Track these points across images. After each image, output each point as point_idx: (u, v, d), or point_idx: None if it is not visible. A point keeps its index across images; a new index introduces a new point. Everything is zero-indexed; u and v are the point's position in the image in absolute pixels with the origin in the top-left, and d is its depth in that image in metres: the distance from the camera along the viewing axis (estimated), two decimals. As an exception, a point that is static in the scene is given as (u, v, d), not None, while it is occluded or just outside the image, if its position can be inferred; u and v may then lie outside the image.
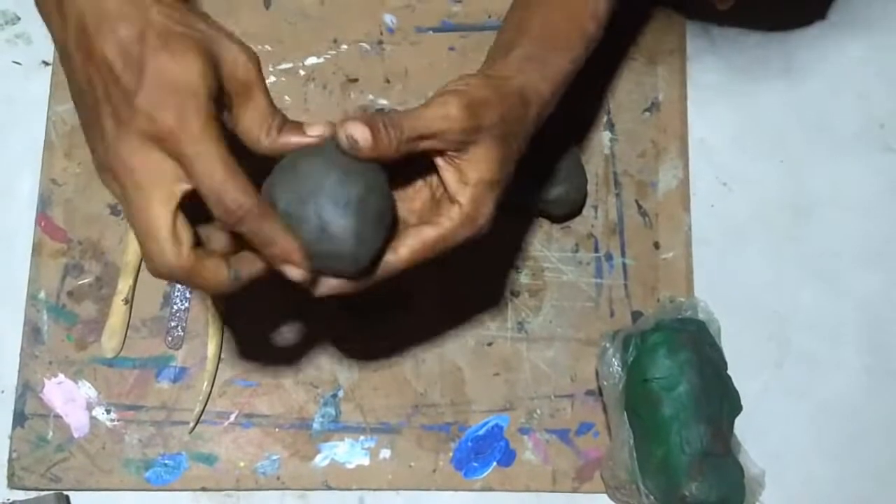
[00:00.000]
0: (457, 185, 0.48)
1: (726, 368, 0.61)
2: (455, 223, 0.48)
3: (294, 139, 0.46)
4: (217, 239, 0.48)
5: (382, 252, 0.48)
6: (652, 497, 0.58)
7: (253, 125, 0.45)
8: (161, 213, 0.41)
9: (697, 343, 0.59)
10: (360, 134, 0.44)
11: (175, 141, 0.41)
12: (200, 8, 0.49)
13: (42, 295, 0.64)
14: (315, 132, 0.46)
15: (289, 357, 0.65)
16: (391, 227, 0.48)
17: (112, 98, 0.41)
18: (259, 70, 0.45)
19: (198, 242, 0.44)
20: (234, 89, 0.44)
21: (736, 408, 0.60)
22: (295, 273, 0.44)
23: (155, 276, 0.43)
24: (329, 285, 0.47)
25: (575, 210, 0.68)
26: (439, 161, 0.49)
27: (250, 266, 0.45)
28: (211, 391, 0.64)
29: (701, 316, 0.61)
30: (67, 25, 0.42)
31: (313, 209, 0.45)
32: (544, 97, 0.53)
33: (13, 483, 0.62)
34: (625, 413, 0.60)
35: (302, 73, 0.70)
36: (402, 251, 0.48)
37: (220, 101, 0.43)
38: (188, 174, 0.41)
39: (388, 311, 0.66)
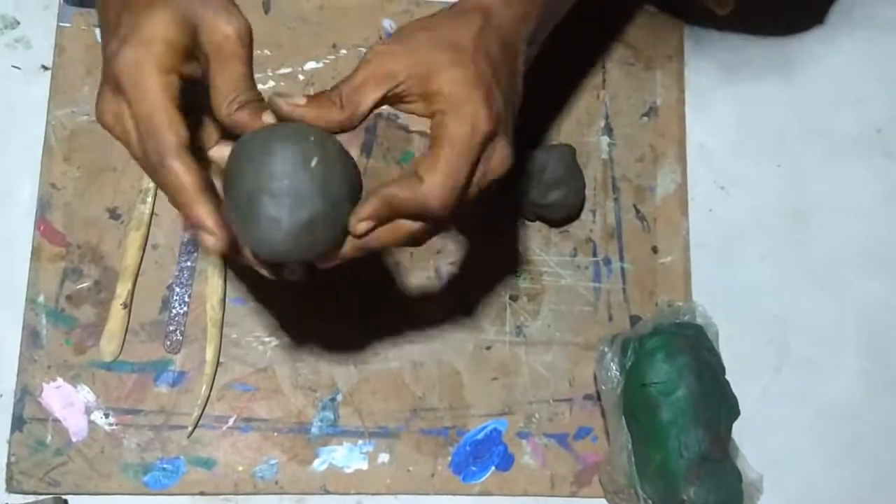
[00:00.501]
0: (426, 110, 0.46)
1: (724, 373, 0.61)
2: (431, 153, 0.45)
3: (245, 119, 0.45)
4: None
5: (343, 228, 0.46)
6: (650, 501, 0.58)
7: (218, 94, 0.44)
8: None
9: (695, 347, 0.59)
10: (298, 98, 0.45)
11: (123, 86, 0.43)
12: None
13: (41, 299, 0.64)
14: (268, 119, 0.45)
15: (287, 361, 0.65)
16: (353, 198, 0.46)
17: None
18: (243, 42, 0.45)
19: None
20: (210, 52, 0.44)
21: (734, 412, 0.60)
22: (209, 241, 0.43)
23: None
24: (295, 269, 0.48)
25: (573, 214, 0.68)
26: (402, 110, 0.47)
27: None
28: (209, 395, 0.64)
29: (699, 320, 0.61)
30: None
31: (257, 203, 0.43)
32: (530, 25, 0.49)
33: (12, 487, 0.62)
34: (623, 417, 0.60)
35: (301, 77, 0.70)
36: (370, 204, 0.46)
37: (189, 57, 0.44)
38: (132, 118, 0.43)
39: (387, 315, 0.66)
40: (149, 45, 0.42)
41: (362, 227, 0.46)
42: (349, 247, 0.47)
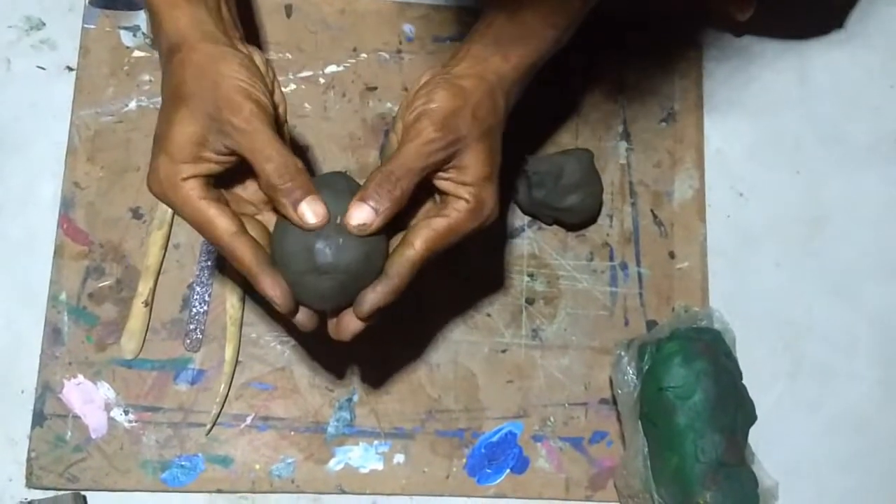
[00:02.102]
0: (456, 188, 0.51)
1: (741, 378, 0.61)
2: (462, 214, 0.51)
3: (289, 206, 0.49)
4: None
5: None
6: (665, 506, 0.58)
7: (261, 172, 0.48)
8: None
9: (713, 352, 0.59)
10: (364, 216, 0.49)
11: (162, 188, 0.49)
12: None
13: (63, 296, 0.65)
14: (310, 219, 0.49)
15: (305, 361, 0.65)
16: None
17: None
18: (264, 110, 0.49)
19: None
20: (236, 134, 0.48)
21: (751, 418, 0.60)
22: (275, 305, 0.49)
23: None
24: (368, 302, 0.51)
25: (590, 218, 0.69)
26: (434, 180, 0.52)
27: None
28: (228, 394, 0.64)
29: (716, 326, 0.61)
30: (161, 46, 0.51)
31: (305, 279, 0.49)
32: (508, 79, 0.54)
33: (31, 482, 0.62)
34: (639, 422, 0.60)
35: (322, 81, 0.70)
36: (418, 243, 0.50)
37: (216, 153, 0.49)
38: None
39: (404, 317, 0.66)
40: (175, 157, 0.48)
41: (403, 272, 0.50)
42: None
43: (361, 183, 0.50)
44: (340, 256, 0.48)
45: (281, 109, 0.52)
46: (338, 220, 0.49)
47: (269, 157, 0.47)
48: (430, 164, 0.50)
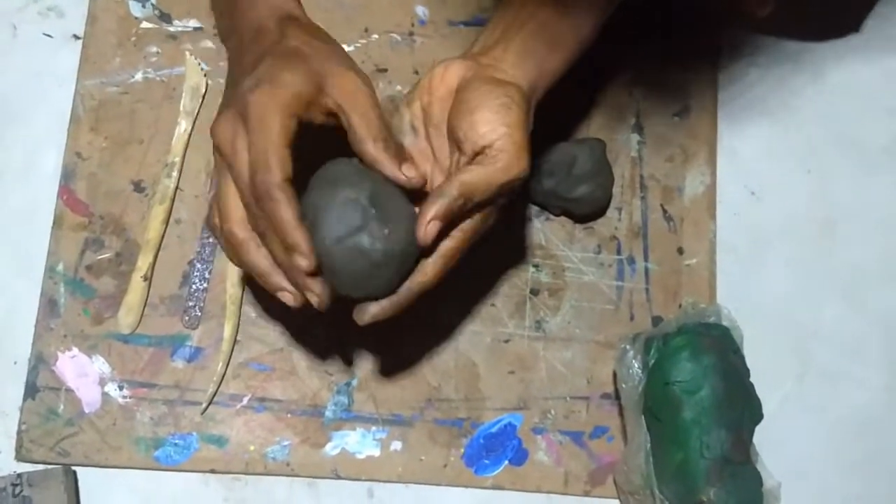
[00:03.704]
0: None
1: (749, 376, 0.60)
2: (467, 234, 0.52)
3: (388, 159, 0.50)
4: None
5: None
6: (667, 502, 0.57)
7: (358, 134, 0.50)
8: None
9: (721, 348, 0.58)
10: (434, 232, 0.49)
11: (250, 118, 0.48)
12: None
13: (60, 268, 0.64)
14: (409, 171, 0.50)
15: (304, 343, 0.64)
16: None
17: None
18: (373, 92, 0.51)
19: None
20: (344, 102, 0.50)
21: (757, 416, 0.59)
22: (302, 263, 0.47)
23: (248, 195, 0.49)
24: (369, 313, 0.52)
25: (599, 210, 0.68)
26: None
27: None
28: (225, 373, 0.63)
29: (724, 323, 0.61)
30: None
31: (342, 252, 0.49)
32: (538, 94, 0.54)
33: (21, 455, 0.61)
34: (643, 416, 0.59)
35: (332, 60, 0.69)
36: (429, 271, 0.51)
37: (310, 106, 0.50)
38: (249, 149, 0.48)
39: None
40: (281, 92, 0.48)
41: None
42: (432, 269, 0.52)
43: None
44: (390, 247, 0.49)
45: None
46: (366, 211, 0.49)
47: (373, 118, 0.49)
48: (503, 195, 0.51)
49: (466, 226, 0.51)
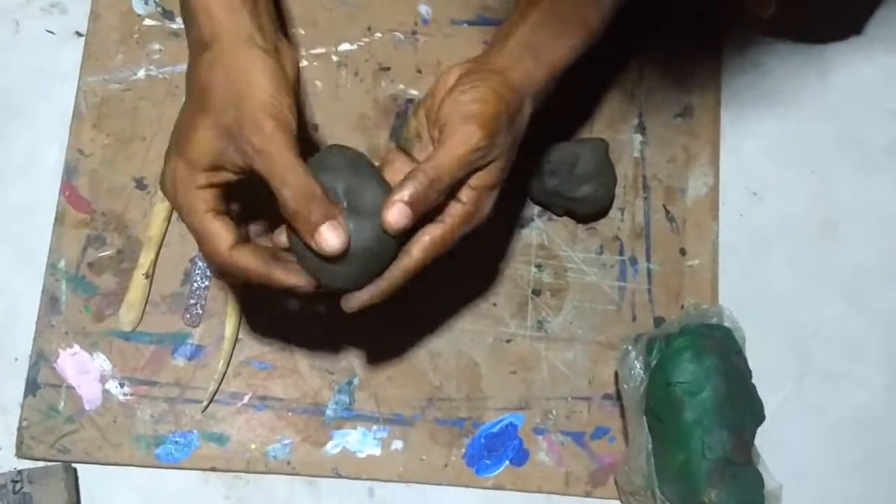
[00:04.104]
0: (463, 188, 0.51)
1: (751, 377, 0.60)
2: (457, 220, 0.51)
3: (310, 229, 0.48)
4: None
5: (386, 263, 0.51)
6: (668, 503, 0.57)
7: (281, 192, 0.47)
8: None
9: (724, 350, 0.58)
10: (403, 220, 0.48)
11: (173, 190, 0.48)
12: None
13: (62, 265, 0.64)
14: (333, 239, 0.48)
15: (306, 342, 0.64)
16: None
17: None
18: (284, 128, 0.47)
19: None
20: (254, 154, 0.47)
21: (759, 417, 0.59)
22: (300, 290, 0.50)
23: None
24: (356, 299, 0.51)
25: (601, 210, 0.67)
26: None
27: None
28: (226, 371, 0.63)
29: (726, 323, 0.60)
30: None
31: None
32: (538, 84, 0.53)
33: (21, 452, 0.61)
34: (644, 417, 0.59)
35: (335, 58, 0.69)
36: (415, 251, 0.50)
37: (219, 168, 0.48)
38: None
39: (407, 302, 0.65)
40: (193, 164, 0.47)
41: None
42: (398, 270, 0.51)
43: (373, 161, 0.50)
44: (361, 243, 0.48)
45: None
46: (344, 204, 0.49)
47: (287, 182, 0.46)
48: (471, 171, 0.50)
49: (457, 211, 0.51)
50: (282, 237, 0.51)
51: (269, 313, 0.64)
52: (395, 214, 0.47)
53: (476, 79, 0.51)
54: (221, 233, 0.48)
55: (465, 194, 0.51)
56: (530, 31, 0.54)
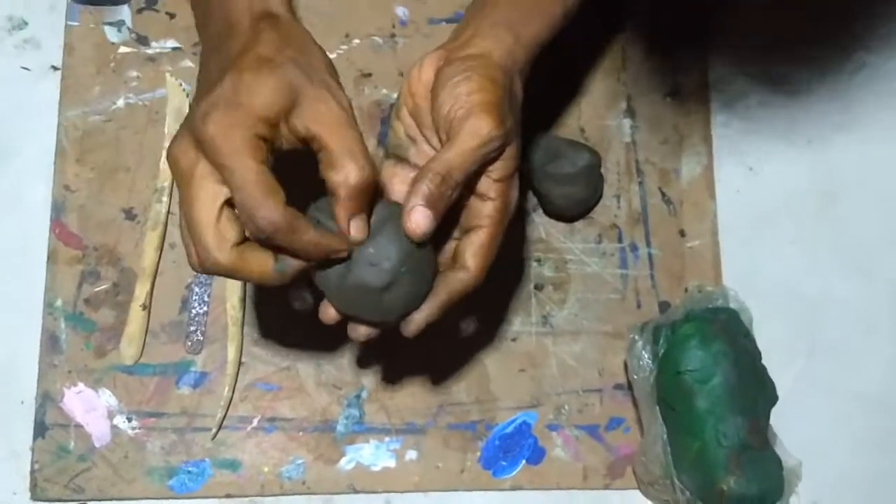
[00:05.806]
0: (486, 183, 0.49)
1: (761, 358, 0.59)
2: (495, 217, 0.49)
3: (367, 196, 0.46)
4: None
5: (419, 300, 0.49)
6: (687, 492, 0.57)
7: (337, 160, 0.45)
8: (205, 210, 0.43)
9: (731, 333, 0.57)
10: (425, 222, 0.46)
11: (214, 150, 0.43)
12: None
13: (59, 303, 0.63)
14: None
15: (310, 359, 0.64)
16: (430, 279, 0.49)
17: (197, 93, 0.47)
18: (351, 112, 0.46)
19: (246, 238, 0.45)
20: (322, 121, 0.45)
21: (772, 399, 0.58)
22: (334, 245, 0.46)
23: (199, 271, 0.45)
24: (361, 332, 0.50)
25: (584, 212, 0.67)
26: None
27: (294, 260, 0.46)
28: (232, 396, 0.62)
29: (732, 305, 0.60)
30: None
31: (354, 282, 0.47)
32: (521, 61, 0.51)
33: (36, 495, 0.61)
34: (657, 407, 0.58)
35: (314, 69, 0.68)
36: (472, 263, 0.49)
37: (277, 127, 0.45)
38: (226, 184, 0.43)
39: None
40: (240, 114, 0.43)
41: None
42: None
43: None
44: (391, 264, 0.47)
45: None
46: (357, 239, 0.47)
47: (355, 155, 0.44)
48: (486, 164, 0.48)
49: (490, 209, 0.49)
50: (330, 311, 0.50)
51: (272, 332, 0.64)
52: (416, 219, 0.46)
53: (463, 68, 0.49)
54: (277, 186, 0.43)
55: (493, 189, 0.49)
56: (504, 9, 0.52)
